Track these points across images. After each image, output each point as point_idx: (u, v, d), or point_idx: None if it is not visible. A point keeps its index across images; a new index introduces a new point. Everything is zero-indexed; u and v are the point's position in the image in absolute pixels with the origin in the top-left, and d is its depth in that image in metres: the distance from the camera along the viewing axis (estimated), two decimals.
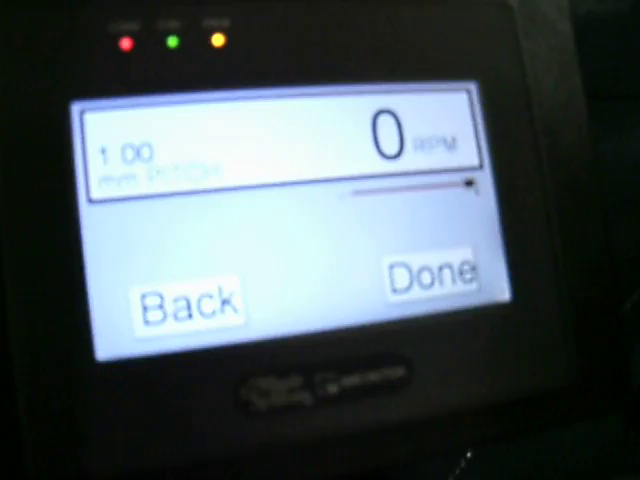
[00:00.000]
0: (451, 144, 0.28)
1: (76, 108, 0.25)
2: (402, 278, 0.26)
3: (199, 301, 0.25)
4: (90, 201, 0.24)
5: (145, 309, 0.24)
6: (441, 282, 0.27)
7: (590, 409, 0.28)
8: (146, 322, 0.24)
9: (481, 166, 0.28)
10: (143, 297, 0.24)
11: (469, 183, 0.28)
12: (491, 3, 0.29)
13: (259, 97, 0.26)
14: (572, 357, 0.28)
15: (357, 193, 0.26)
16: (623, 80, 0.37)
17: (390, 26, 0.27)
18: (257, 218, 0.25)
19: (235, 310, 0.25)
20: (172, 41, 0.25)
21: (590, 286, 0.28)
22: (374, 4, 0.27)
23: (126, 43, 0.25)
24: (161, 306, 0.24)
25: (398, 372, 0.26)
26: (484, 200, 0.28)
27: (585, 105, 0.30)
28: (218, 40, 0.26)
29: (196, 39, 0.26)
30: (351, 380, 0.25)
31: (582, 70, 0.30)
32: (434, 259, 0.27)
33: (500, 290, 0.27)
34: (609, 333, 0.29)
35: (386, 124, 0.27)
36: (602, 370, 0.28)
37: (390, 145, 0.27)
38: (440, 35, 0.28)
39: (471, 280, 0.27)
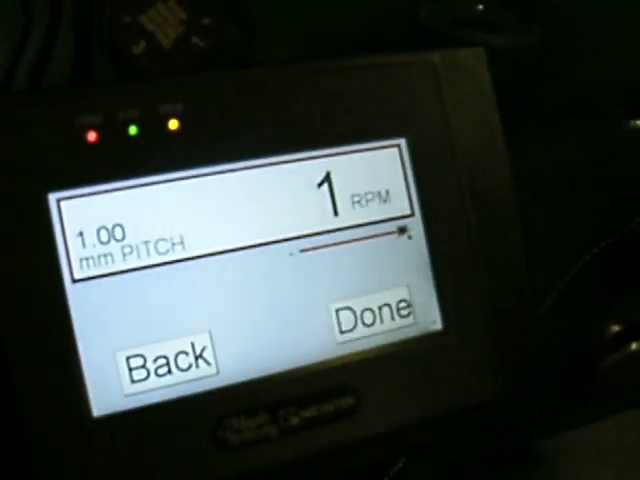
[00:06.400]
0: (385, 197, 0.34)
1: (53, 198, 0.30)
2: (348, 320, 0.33)
3: (176, 358, 0.31)
4: (74, 281, 0.30)
5: (130, 370, 0.31)
6: (381, 320, 0.34)
7: (516, 416, 0.36)
8: (132, 380, 0.31)
9: (412, 214, 0.34)
10: (128, 359, 0.31)
11: (402, 230, 0.34)
12: (414, 62, 0.35)
13: (215, 173, 0.32)
14: (498, 374, 0.35)
15: (305, 250, 0.33)
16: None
17: (323, 98, 0.33)
18: (220, 281, 0.32)
19: (207, 363, 0.31)
20: (132, 129, 0.31)
21: (512, 312, 0.36)
22: (305, 80, 0.33)
23: (92, 136, 0.30)
24: (144, 366, 0.31)
25: (348, 402, 0.33)
26: (416, 244, 0.34)
27: (504, 146, 0.36)
28: (173, 124, 0.31)
29: (153, 126, 0.31)
30: (309, 412, 0.32)
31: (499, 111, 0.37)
32: (374, 301, 0.34)
33: (433, 322, 0.35)
34: (529, 352, 0.36)
35: (327, 186, 0.33)
36: (525, 383, 0.36)
37: (331, 205, 0.33)
38: (368, 98, 0.34)
39: (407, 315, 0.34)
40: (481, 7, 0.43)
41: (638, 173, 0.48)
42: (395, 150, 0.34)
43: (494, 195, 0.36)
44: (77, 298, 0.30)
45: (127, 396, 0.31)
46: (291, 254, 0.33)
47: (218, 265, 0.32)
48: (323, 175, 0.33)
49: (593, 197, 0.47)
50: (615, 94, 0.46)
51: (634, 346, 0.55)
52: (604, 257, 0.49)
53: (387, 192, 0.34)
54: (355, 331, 0.33)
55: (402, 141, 0.34)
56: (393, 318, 0.34)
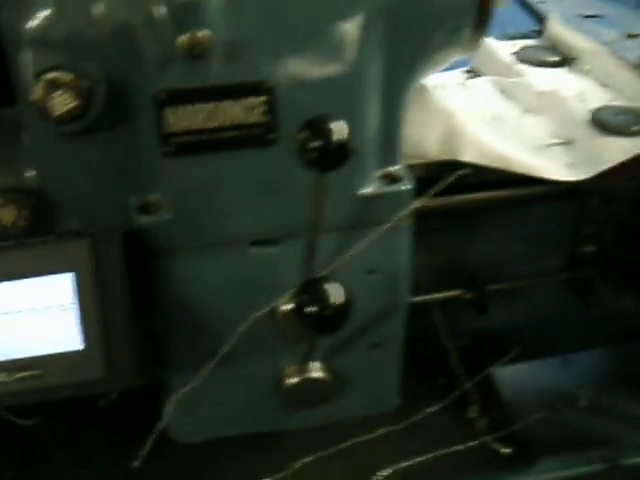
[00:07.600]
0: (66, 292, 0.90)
1: None
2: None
3: None
4: None
5: None
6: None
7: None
8: None
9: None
10: None
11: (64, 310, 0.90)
12: (69, 245, 0.90)
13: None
14: (100, 355, 0.89)
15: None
16: None
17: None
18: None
19: None
20: None
21: (112, 333, 0.89)
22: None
23: None
24: None
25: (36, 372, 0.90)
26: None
27: (127, 300, 0.90)
28: None
29: None
30: (25, 373, 0.90)
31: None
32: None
33: (73, 345, 0.90)
34: (123, 347, 0.90)
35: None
36: (120, 366, 0.90)
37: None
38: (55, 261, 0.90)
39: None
40: None
41: None
42: (70, 277, 0.90)
43: (112, 300, 0.90)
44: None
45: None
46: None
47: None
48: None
49: None
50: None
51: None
52: None
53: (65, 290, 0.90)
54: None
55: (72, 274, 0.90)
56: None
